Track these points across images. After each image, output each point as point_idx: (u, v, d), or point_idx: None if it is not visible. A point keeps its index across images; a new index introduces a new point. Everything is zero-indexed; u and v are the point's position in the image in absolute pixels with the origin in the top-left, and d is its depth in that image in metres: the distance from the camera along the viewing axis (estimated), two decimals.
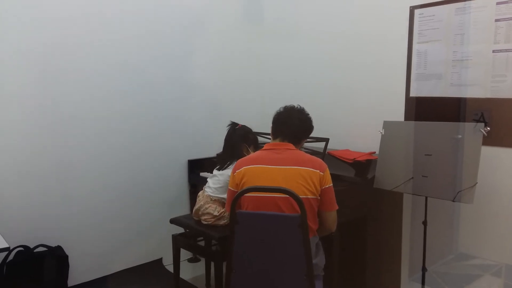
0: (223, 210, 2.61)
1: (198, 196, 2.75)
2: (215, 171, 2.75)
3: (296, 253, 1.78)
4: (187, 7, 3.37)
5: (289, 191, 1.77)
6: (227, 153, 2.74)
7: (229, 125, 2.80)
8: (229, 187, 2.09)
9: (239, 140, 2.72)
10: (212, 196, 2.66)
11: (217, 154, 2.87)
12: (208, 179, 2.76)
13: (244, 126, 2.80)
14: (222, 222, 2.61)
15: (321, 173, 1.94)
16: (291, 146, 2.04)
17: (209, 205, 2.64)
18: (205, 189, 2.74)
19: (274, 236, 1.81)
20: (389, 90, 2.84)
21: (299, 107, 2.14)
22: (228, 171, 2.63)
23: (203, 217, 2.66)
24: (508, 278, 2.40)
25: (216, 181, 2.69)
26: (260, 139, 3.08)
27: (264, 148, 2.09)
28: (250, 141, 2.76)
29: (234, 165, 2.58)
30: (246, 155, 2.66)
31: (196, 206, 2.71)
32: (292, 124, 2.07)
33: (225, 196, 2.62)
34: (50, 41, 2.72)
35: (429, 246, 2.42)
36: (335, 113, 3.17)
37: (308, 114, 2.14)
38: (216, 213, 2.61)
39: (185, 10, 3.35)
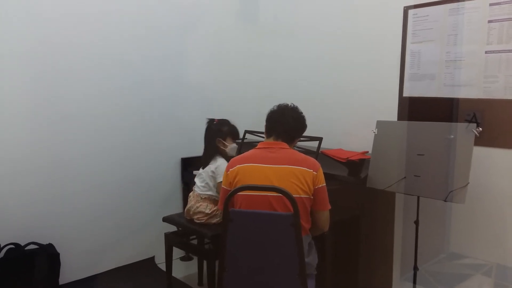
0: (215, 208, 2.61)
1: (189, 196, 2.76)
2: (200, 170, 2.76)
3: (288, 252, 1.78)
4: (184, 5, 3.36)
5: (282, 189, 1.77)
6: (206, 150, 2.76)
7: (206, 122, 2.81)
8: (223, 186, 2.09)
9: (214, 135, 2.73)
10: (201, 194, 2.66)
11: None
12: (195, 179, 2.76)
13: (220, 120, 2.79)
14: (214, 220, 2.61)
15: (314, 172, 1.94)
16: (285, 145, 2.04)
17: (199, 203, 2.64)
18: (194, 188, 2.74)
19: (267, 234, 1.81)
20: (382, 90, 2.84)
21: (292, 105, 2.14)
22: (210, 167, 2.65)
23: (195, 216, 2.65)
24: (498, 277, 2.42)
25: (202, 179, 2.70)
26: (255, 138, 3.08)
27: (258, 146, 2.09)
28: (225, 133, 2.75)
29: (216, 161, 2.62)
30: (223, 149, 2.70)
31: (188, 206, 2.71)
32: (286, 122, 2.07)
33: (213, 193, 2.63)
34: (47, 39, 2.71)
35: (420, 245, 2.43)
36: (328, 112, 3.18)
37: (302, 113, 2.14)
38: (208, 211, 2.61)
39: (182, 9, 3.35)
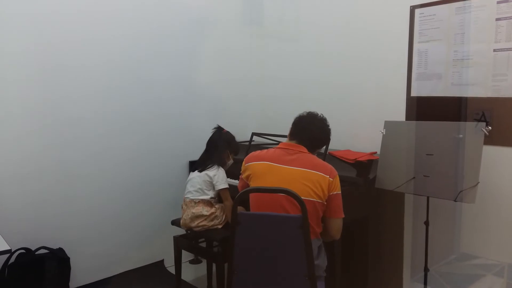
0: (212, 210, 2.61)
1: (182, 208, 2.73)
2: (192, 174, 2.74)
3: (297, 254, 1.77)
4: (189, 8, 3.37)
5: (289, 190, 1.76)
6: (208, 155, 2.75)
7: (215, 128, 2.84)
8: (240, 176, 2.12)
9: (224, 146, 2.76)
10: (194, 199, 2.64)
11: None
12: (187, 186, 2.74)
13: (228, 132, 2.83)
14: (214, 221, 2.61)
15: (330, 179, 1.94)
16: (305, 149, 2.04)
17: (195, 209, 2.62)
18: (186, 196, 2.71)
19: (275, 236, 1.81)
20: (390, 90, 2.83)
21: (322, 116, 2.13)
22: (207, 172, 2.64)
23: (194, 224, 2.62)
24: (510, 277, 2.40)
25: (194, 184, 2.67)
26: (264, 140, 3.08)
27: (278, 146, 2.10)
28: (232, 148, 2.81)
29: (213, 168, 2.65)
30: (226, 162, 2.75)
31: (183, 216, 2.68)
32: (312, 131, 2.07)
33: (206, 197, 2.62)
34: (52, 40, 2.72)
35: (431, 246, 2.42)
36: (335, 113, 3.13)
37: (329, 126, 2.13)
38: (206, 213, 2.60)
39: (187, 12, 3.36)
